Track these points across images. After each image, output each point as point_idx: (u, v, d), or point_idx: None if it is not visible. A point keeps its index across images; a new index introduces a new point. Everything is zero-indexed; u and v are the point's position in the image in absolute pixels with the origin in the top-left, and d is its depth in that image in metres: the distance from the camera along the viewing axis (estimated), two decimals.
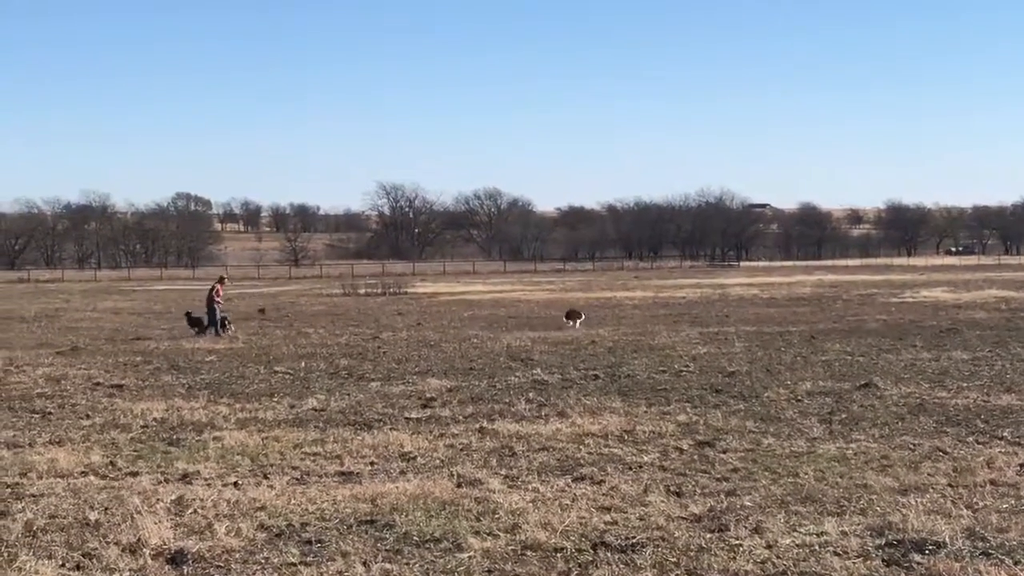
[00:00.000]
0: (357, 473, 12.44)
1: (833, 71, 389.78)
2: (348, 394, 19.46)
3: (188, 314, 37.48)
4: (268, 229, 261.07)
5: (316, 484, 11.89)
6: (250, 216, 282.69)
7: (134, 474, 12.59)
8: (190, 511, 10.58)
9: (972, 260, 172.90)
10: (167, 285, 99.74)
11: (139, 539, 9.48)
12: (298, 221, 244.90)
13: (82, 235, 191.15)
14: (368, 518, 10.22)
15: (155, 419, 16.72)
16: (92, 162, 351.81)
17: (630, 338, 30.91)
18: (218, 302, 36.04)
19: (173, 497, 11.19)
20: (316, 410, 17.57)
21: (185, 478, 12.29)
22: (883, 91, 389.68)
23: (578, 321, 37.76)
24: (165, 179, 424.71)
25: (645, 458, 13.09)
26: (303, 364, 24.60)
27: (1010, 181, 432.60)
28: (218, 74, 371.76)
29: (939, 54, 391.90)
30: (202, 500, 11.01)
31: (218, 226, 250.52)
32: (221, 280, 38.50)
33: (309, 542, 9.50)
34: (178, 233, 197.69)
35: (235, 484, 11.90)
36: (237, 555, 9.20)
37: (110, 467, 13.01)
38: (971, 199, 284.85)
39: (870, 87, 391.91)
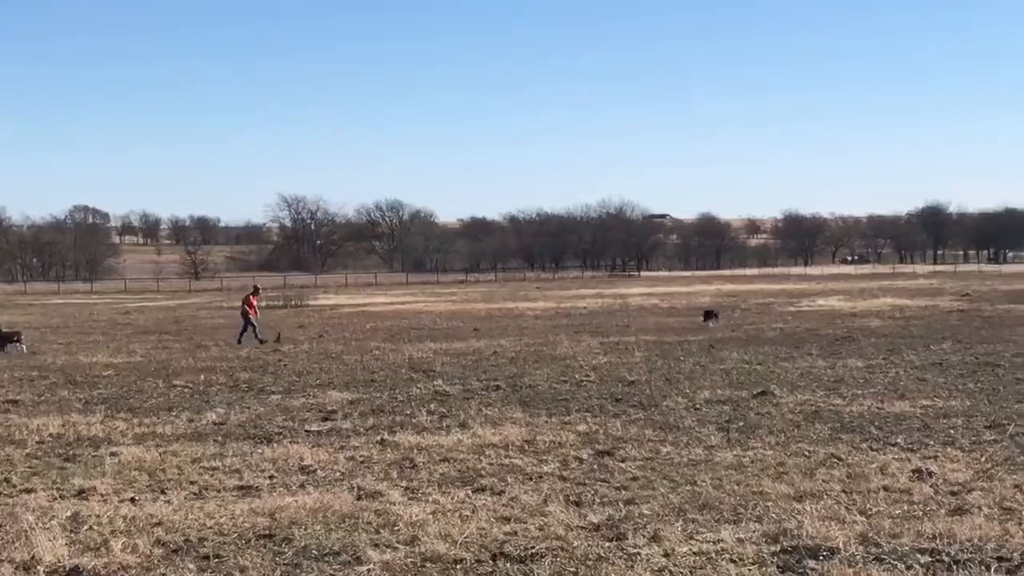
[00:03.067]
0: (256, 487, 12.34)
1: (726, 81, 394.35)
2: (248, 407, 19.31)
3: None
4: (168, 242, 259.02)
5: (214, 499, 11.78)
6: (149, 229, 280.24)
7: (29, 491, 12.38)
8: (86, 527, 10.43)
9: (867, 269, 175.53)
10: (65, 299, 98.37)
11: (33, 556, 9.33)
12: (198, 234, 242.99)
13: None
14: (267, 532, 10.13)
15: (51, 435, 16.46)
16: None
17: (532, 348, 31.00)
18: (250, 310, 37.06)
19: (68, 513, 11.01)
20: (215, 424, 17.41)
21: (81, 494, 12.11)
22: (776, 99, 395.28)
23: (712, 321, 40.55)
24: (62, 192, 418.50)
25: (545, 468, 13.12)
26: (202, 378, 24.36)
27: (905, 191, 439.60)
28: (114, 87, 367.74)
29: (833, 62, 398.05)
30: (98, 516, 10.85)
31: (116, 239, 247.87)
32: (256, 291, 39.12)
33: (207, 557, 9.41)
34: (75, 246, 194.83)
35: (132, 500, 11.75)
36: (133, 571, 9.08)
37: (4, 484, 12.79)
38: (866, 209, 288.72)
39: (763, 95, 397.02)
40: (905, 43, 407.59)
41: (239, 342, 35.47)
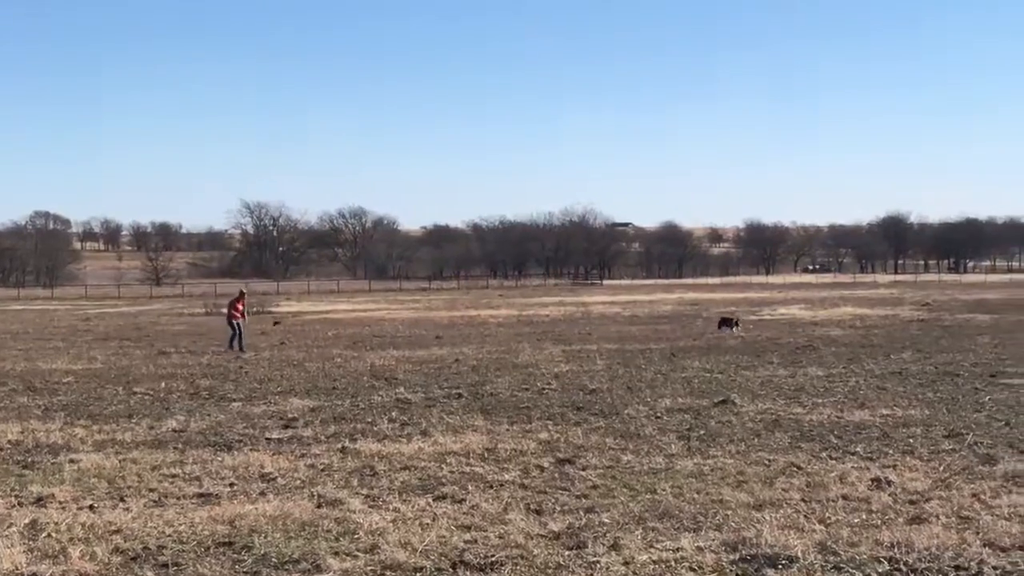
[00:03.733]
0: (216, 494, 12.28)
1: (691, 91, 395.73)
2: (208, 415, 19.23)
3: None
4: (129, 248, 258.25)
5: (174, 506, 11.72)
6: (110, 235, 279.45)
7: None
8: (44, 535, 10.37)
9: (828, 278, 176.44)
10: (25, 305, 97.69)
11: None
12: (159, 239, 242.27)
13: None
14: (226, 540, 10.09)
15: (9, 442, 16.34)
16: None
17: (494, 356, 31.02)
18: (235, 316, 36.28)
19: (27, 521, 10.93)
20: (176, 431, 17.32)
21: (40, 501, 12.02)
22: (738, 108, 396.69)
23: (728, 329, 40.34)
24: (22, 197, 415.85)
25: (506, 476, 13.13)
26: (163, 384, 24.26)
27: (866, 200, 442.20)
28: (75, 91, 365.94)
29: (794, 72, 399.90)
30: (56, 524, 10.78)
31: (77, 245, 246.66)
32: (241, 296, 38.54)
33: (165, 565, 9.36)
34: (36, 252, 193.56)
35: (91, 507, 11.68)
36: None
37: None
38: (828, 218, 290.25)
39: (726, 106, 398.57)
40: (863, 55, 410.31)
41: (241, 348, 34.98)
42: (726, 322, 41.77)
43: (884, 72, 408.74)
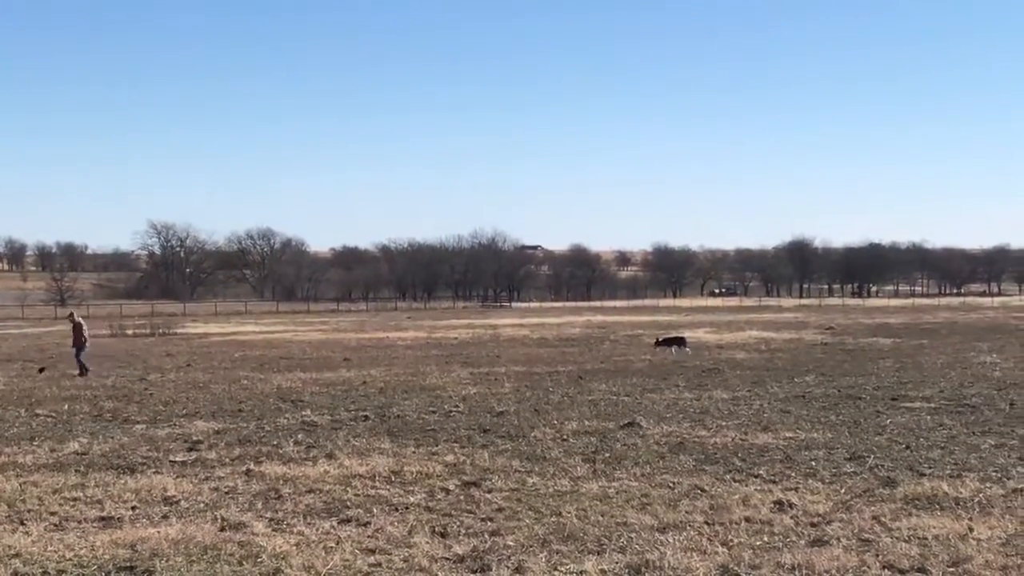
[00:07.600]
0: (118, 518, 12.16)
1: (596, 112, 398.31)
2: (112, 437, 19.02)
3: None
4: (34, 268, 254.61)
5: (75, 530, 11.58)
6: (14, 255, 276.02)
7: None
8: None
9: (734, 301, 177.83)
10: None
11: None
12: (65, 260, 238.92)
13: None
14: (127, 564, 9.99)
15: None
16: None
17: (402, 378, 30.93)
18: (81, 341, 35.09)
19: None
20: (78, 454, 17.12)
21: None
22: (645, 134, 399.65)
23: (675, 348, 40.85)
24: None
25: (412, 499, 13.11)
26: (66, 407, 23.95)
27: (771, 225, 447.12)
28: None
29: (698, 98, 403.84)
30: None
31: None
32: (71, 317, 36.97)
33: None
34: None
35: None
36: None
37: None
38: (734, 242, 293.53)
39: (630, 130, 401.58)
40: (766, 79, 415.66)
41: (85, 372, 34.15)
42: (670, 341, 42.59)
43: (788, 96, 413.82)
